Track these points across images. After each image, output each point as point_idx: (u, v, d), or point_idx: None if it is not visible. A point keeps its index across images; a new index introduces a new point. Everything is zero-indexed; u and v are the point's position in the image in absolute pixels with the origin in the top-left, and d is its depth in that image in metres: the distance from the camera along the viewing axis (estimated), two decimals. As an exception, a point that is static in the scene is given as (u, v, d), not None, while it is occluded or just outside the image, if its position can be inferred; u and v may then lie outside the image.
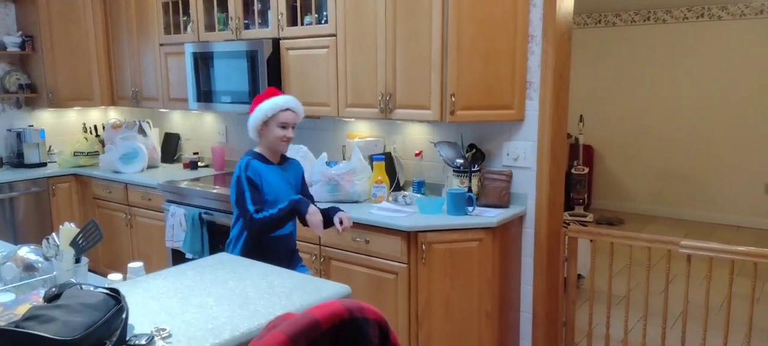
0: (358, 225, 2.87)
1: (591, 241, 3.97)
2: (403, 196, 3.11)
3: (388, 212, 2.91)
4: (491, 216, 2.82)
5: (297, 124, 2.47)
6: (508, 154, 3.07)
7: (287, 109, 2.41)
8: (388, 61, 3.00)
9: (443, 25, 2.78)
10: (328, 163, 3.18)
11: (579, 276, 4.32)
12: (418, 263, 2.73)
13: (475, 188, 3.04)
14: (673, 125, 6.62)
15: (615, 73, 6.88)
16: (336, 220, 2.43)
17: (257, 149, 2.50)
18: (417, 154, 3.33)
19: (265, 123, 2.40)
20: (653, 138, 6.77)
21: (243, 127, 4.29)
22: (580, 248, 3.89)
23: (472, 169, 3.03)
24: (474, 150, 3.11)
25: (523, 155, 3.02)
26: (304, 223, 2.39)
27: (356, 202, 3.12)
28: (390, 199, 3.14)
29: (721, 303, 3.87)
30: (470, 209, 2.87)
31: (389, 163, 3.30)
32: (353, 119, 3.55)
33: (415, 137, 3.38)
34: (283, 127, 2.41)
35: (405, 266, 2.76)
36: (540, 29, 2.83)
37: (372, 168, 3.16)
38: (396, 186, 3.31)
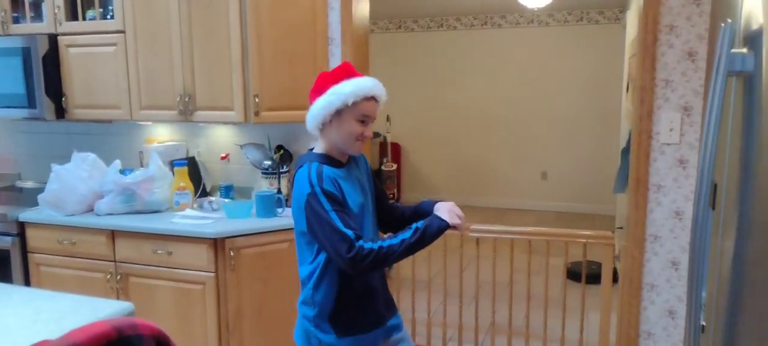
0: (158, 236, 2.69)
1: (398, 233, 4.21)
2: (210, 202, 2.98)
3: (192, 219, 2.76)
4: (300, 216, 2.83)
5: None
6: (315, 154, 3.10)
7: (372, 97, 1.76)
8: (185, 61, 2.85)
9: (242, 26, 2.72)
10: (122, 172, 2.92)
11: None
12: (227, 270, 2.64)
13: (285, 189, 3.03)
14: (466, 122, 7.31)
15: (416, 75, 7.39)
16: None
17: (318, 150, 1.81)
18: (223, 158, 3.22)
19: (338, 113, 1.72)
20: (451, 134, 7.41)
21: (20, 135, 3.77)
22: (389, 240, 4.11)
23: (281, 171, 3.02)
24: (282, 151, 3.10)
25: (329, 154, 3.08)
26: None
27: (157, 211, 2.91)
28: (195, 206, 2.99)
29: (507, 279, 4.37)
30: (280, 210, 2.85)
31: (193, 168, 3.14)
32: (150, 123, 3.31)
33: (221, 140, 3.26)
34: (362, 121, 1.75)
35: (212, 274, 2.64)
36: (339, 32, 2.92)
37: (173, 174, 2.98)
38: (202, 192, 3.17)
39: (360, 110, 1.73)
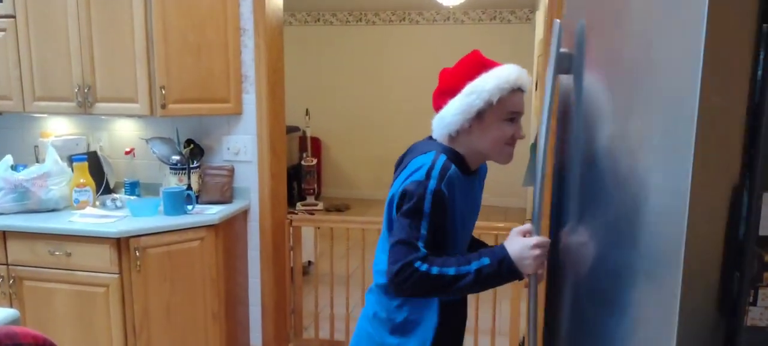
0: (54, 237, 2.51)
1: (317, 228, 4.18)
2: (113, 199, 2.82)
3: (93, 218, 2.60)
4: (212, 213, 2.74)
5: None
6: (228, 149, 3.02)
7: (519, 89, 1.39)
8: (84, 50, 2.67)
9: (146, 12, 2.59)
10: (14, 167, 2.70)
11: (309, 263, 4.51)
12: (132, 271, 2.51)
13: (195, 185, 2.92)
14: (385, 117, 7.37)
15: (335, 69, 7.35)
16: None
17: (456, 147, 1.44)
18: (127, 152, 3.06)
19: (480, 115, 1.38)
20: (370, 129, 7.44)
21: None
22: (308, 236, 4.07)
23: (191, 166, 2.90)
24: (192, 145, 2.98)
25: (243, 149, 3.00)
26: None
27: (54, 210, 2.72)
28: (97, 204, 2.82)
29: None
30: (190, 207, 2.74)
31: (95, 163, 2.96)
32: (46, 115, 3.09)
33: (125, 134, 3.09)
34: (511, 119, 1.40)
35: (116, 276, 2.50)
36: (251, 23, 2.84)
37: (72, 170, 2.79)
38: (105, 189, 2.99)
39: (507, 108, 1.38)
